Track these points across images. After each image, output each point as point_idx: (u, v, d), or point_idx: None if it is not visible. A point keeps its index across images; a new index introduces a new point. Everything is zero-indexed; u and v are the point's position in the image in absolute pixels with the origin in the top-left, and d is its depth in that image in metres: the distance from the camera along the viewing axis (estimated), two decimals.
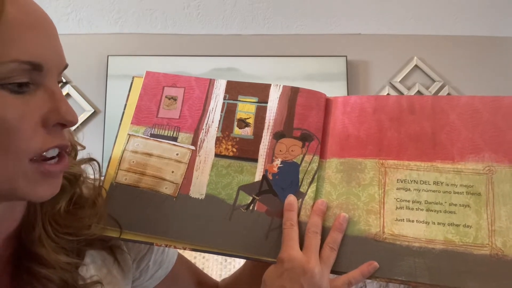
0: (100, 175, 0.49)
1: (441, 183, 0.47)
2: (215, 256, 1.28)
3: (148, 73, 0.55)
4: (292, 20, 2.00)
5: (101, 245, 0.48)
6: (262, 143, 0.51)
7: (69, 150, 0.41)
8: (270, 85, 0.53)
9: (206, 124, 0.52)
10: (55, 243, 0.43)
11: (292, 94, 0.53)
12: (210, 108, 0.53)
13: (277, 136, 0.51)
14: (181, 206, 0.48)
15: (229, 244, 0.47)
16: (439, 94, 2.00)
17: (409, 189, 0.47)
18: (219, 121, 0.52)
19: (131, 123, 0.53)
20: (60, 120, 0.36)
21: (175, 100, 0.53)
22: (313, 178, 0.49)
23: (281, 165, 0.50)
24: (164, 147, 0.51)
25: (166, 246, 0.48)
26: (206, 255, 1.29)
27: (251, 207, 0.48)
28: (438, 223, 0.45)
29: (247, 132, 0.51)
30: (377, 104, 0.52)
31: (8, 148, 0.34)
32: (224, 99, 0.53)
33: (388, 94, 2.00)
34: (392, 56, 2.03)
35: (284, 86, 0.53)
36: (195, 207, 0.48)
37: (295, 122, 0.51)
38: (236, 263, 1.28)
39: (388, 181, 0.48)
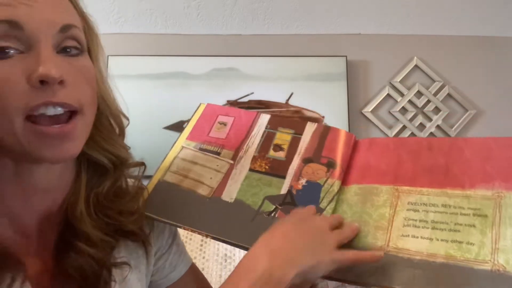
0: (142, 177, 0.54)
1: (449, 206, 0.48)
2: (215, 257, 1.28)
3: (208, 105, 0.67)
4: (292, 20, 2.00)
5: (134, 238, 0.51)
6: (291, 164, 0.58)
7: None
8: (307, 122, 0.62)
9: (247, 145, 0.60)
10: (94, 222, 0.46)
11: (324, 131, 0.60)
12: (253, 134, 0.62)
13: (306, 160, 0.58)
14: (212, 205, 0.55)
15: (246, 237, 0.50)
16: (439, 94, 2.00)
17: (418, 210, 0.49)
18: (258, 144, 0.60)
19: (187, 138, 0.64)
20: (38, 77, 0.36)
21: (225, 125, 0.63)
22: (332, 198, 0.53)
23: (305, 184, 0.55)
24: (208, 158, 0.60)
25: (191, 231, 0.53)
26: (207, 255, 1.29)
27: (272, 214, 0.53)
28: (442, 240, 0.46)
29: (281, 155, 0.59)
30: (399, 142, 0.56)
31: (0, 107, 0.36)
32: (266, 128, 0.62)
33: (388, 94, 2.01)
34: (392, 56, 2.03)
35: (318, 124, 0.62)
36: (224, 207, 0.54)
37: (324, 152, 0.58)
38: (236, 263, 1.27)
39: (400, 203, 0.50)
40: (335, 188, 0.54)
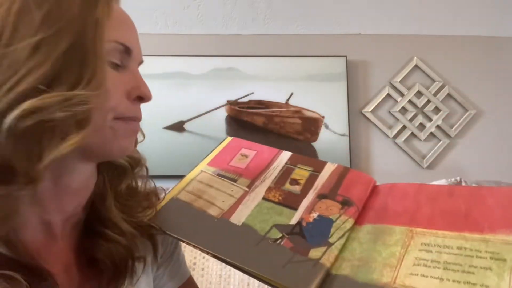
0: (148, 177, 0.58)
1: (465, 249, 0.46)
2: None
3: (234, 138, 0.71)
4: (292, 20, 2.00)
5: (148, 236, 0.54)
6: (305, 198, 0.57)
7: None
8: (326, 162, 0.63)
9: (264, 176, 0.62)
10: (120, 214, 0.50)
11: (343, 171, 0.60)
12: (272, 167, 0.63)
13: (321, 196, 0.57)
14: (219, 225, 0.55)
15: (247, 260, 0.50)
16: (439, 94, 2.00)
17: (431, 251, 0.47)
18: (276, 176, 0.61)
19: (207, 164, 0.66)
20: (139, 94, 0.46)
21: (246, 157, 0.66)
22: (343, 235, 0.52)
23: (317, 218, 0.55)
24: (223, 183, 0.62)
25: (192, 247, 0.54)
26: (207, 255, 1.29)
27: (278, 241, 0.52)
28: (453, 281, 0.44)
29: (296, 189, 0.59)
30: (420, 189, 0.55)
31: (101, 106, 0.41)
32: (286, 164, 0.64)
33: (388, 94, 2.01)
34: (392, 56, 2.03)
35: (338, 165, 0.62)
36: (230, 229, 0.54)
37: (340, 190, 0.58)
38: None
39: (413, 243, 0.49)
40: (348, 225, 0.53)
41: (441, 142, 1.99)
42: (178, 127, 1.92)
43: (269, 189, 0.59)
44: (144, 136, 0.55)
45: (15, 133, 0.36)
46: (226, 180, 0.62)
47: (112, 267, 0.48)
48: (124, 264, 0.49)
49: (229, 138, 0.70)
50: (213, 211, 0.57)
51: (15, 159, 0.36)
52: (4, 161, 0.36)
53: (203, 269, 1.26)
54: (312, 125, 1.94)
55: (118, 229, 0.49)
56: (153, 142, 1.86)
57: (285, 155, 0.65)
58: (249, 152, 0.66)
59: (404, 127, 2.00)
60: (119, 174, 0.52)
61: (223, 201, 0.58)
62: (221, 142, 0.70)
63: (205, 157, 0.68)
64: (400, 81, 2.01)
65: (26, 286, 0.38)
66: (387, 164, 1.98)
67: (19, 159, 0.37)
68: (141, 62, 0.50)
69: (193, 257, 1.28)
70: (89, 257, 0.48)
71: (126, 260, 0.49)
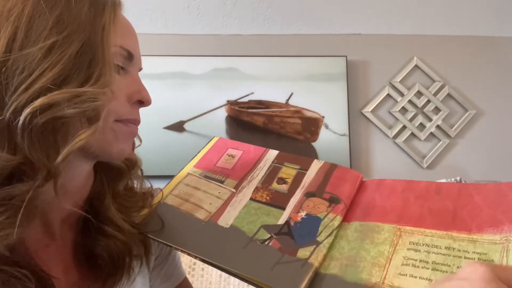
0: (143, 177, 0.58)
1: (453, 249, 0.46)
2: None
3: (220, 138, 0.70)
4: (292, 20, 2.00)
5: (142, 239, 0.54)
6: (293, 197, 0.57)
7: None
8: (314, 159, 0.63)
9: (251, 176, 0.61)
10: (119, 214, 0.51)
11: (330, 168, 0.61)
12: (259, 167, 0.63)
13: (308, 194, 0.57)
14: (207, 229, 0.55)
15: (235, 263, 0.50)
16: (439, 94, 2.01)
17: (419, 250, 0.47)
18: (263, 176, 0.61)
19: (194, 166, 0.65)
20: (140, 98, 0.48)
21: (233, 157, 0.65)
22: (331, 233, 0.52)
23: (305, 217, 0.55)
24: (210, 185, 0.61)
25: (181, 252, 0.54)
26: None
27: (266, 242, 0.52)
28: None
29: (283, 188, 0.59)
30: (408, 186, 0.55)
31: (108, 104, 0.43)
32: (272, 162, 0.64)
33: (388, 94, 2.01)
34: (392, 56, 2.03)
35: (325, 162, 0.62)
36: (218, 232, 0.54)
37: (328, 187, 0.58)
38: None
39: (401, 242, 0.49)
40: (335, 223, 0.53)
41: (441, 142, 1.99)
42: (178, 127, 1.92)
43: (257, 189, 0.59)
44: (141, 140, 0.55)
45: (31, 130, 0.38)
46: (213, 181, 0.61)
47: (110, 262, 0.48)
48: (122, 259, 0.49)
49: (216, 138, 0.70)
50: (200, 215, 0.56)
51: (33, 156, 0.38)
52: (24, 158, 0.38)
53: (203, 269, 1.26)
54: (312, 125, 1.94)
55: (116, 226, 0.50)
56: (153, 142, 1.86)
57: (272, 153, 0.65)
58: (236, 152, 0.66)
59: (404, 127, 2.00)
60: (115, 175, 0.53)
61: (210, 203, 0.58)
62: (208, 143, 0.70)
63: (192, 158, 0.67)
64: (400, 81, 2.01)
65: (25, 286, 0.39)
66: (387, 164, 1.98)
67: (37, 155, 0.38)
68: (141, 69, 0.52)
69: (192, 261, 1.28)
70: (87, 255, 0.48)
71: (123, 255, 0.49)
